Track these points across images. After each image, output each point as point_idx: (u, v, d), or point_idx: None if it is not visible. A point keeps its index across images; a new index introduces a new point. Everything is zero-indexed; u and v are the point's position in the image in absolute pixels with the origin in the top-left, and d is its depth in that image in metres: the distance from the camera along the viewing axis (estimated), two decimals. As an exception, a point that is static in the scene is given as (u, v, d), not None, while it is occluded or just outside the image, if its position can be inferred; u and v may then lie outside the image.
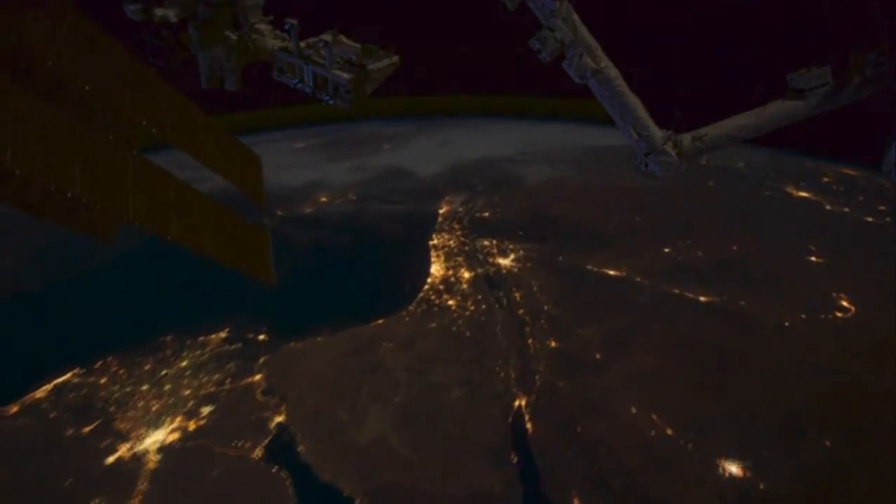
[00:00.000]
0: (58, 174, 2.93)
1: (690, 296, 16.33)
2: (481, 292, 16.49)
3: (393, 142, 29.85)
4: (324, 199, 22.63)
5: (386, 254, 18.37)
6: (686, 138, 4.35)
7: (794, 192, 24.65)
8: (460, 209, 21.47)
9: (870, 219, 21.77)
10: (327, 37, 3.97)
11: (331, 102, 4.03)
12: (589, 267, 17.54)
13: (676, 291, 16.46)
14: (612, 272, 17.33)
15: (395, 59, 4.02)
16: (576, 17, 4.00)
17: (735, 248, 19.10)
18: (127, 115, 3.65)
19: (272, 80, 4.23)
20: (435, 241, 19.17)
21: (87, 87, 3.44)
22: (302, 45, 4.02)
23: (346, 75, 3.86)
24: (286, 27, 3.96)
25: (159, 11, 3.83)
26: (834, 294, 16.71)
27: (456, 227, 20.15)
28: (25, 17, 3.23)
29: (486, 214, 21.06)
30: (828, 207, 22.87)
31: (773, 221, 21.25)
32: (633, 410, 12.48)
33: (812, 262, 18.57)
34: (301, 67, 4.01)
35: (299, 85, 4.09)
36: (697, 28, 22.73)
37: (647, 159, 4.35)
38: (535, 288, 16.53)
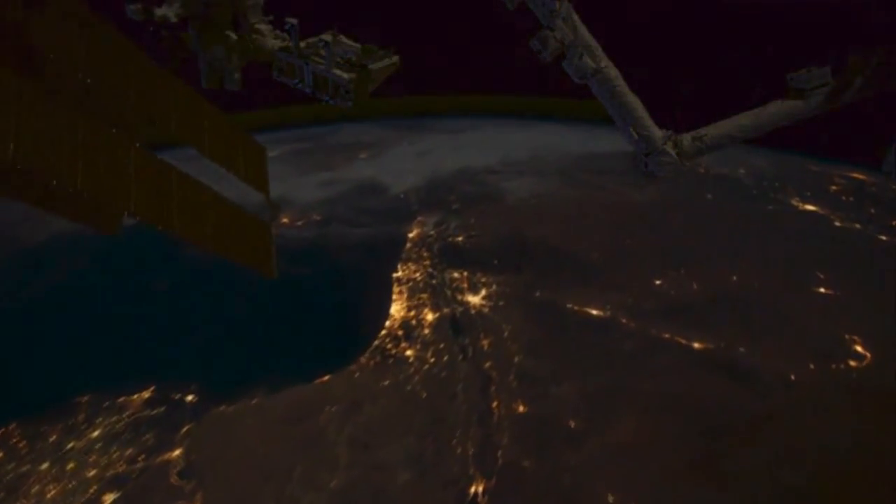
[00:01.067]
0: (60, 168, 2.91)
1: (683, 342, 14.38)
2: (444, 339, 14.56)
3: (371, 149, 27.89)
4: (285, 221, 20.67)
5: (344, 290, 16.44)
6: (686, 138, 4.32)
7: (801, 205, 22.68)
8: (432, 232, 19.51)
9: (884, 237, 19.74)
10: (327, 37, 3.92)
11: (331, 102, 4.00)
12: (569, 305, 15.59)
13: (667, 336, 14.51)
14: (594, 312, 15.38)
15: (395, 58, 4.01)
16: (576, 17, 3.97)
17: (735, 278, 17.13)
18: (130, 108, 3.62)
19: (272, 80, 4.19)
20: (400, 273, 17.23)
21: (88, 80, 3.41)
22: (302, 45, 3.99)
23: (346, 75, 3.86)
24: (286, 27, 3.92)
25: (159, 11, 3.75)
26: (846, 336, 14.77)
27: (425, 254, 18.20)
28: (30, 13, 3.19)
29: (460, 239, 19.09)
30: (837, 224, 20.89)
31: (777, 243, 19.26)
32: (610, 499, 10.59)
33: (821, 294, 16.61)
34: (301, 67, 3.99)
35: (299, 85, 4.08)
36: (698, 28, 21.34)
37: (647, 159, 4.31)
38: (505, 333, 14.59)
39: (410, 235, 19.37)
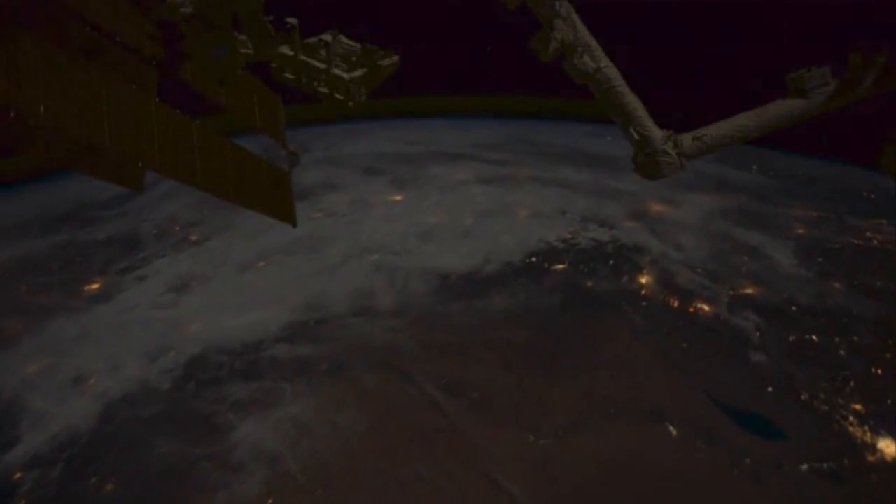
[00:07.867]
0: (88, 127, 2.88)
1: None
2: None
3: (128, 265, 16.84)
4: None
5: None
6: (686, 138, 4.29)
7: (874, 442, 12.19)
8: None
9: None
10: (327, 37, 3.89)
11: (330, 102, 3.96)
12: None
13: None
14: None
15: (396, 59, 3.98)
16: (576, 17, 3.97)
17: None
18: (146, 61, 3.59)
19: (273, 81, 4.12)
20: None
21: (98, 33, 3.39)
22: (302, 44, 4.00)
23: (346, 75, 3.87)
24: (286, 27, 3.86)
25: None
26: None
27: None
28: None
29: None
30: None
31: None
32: None
33: None
34: (301, 67, 3.94)
35: (299, 85, 3.97)
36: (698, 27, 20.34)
37: (646, 160, 4.30)
38: None
39: None
